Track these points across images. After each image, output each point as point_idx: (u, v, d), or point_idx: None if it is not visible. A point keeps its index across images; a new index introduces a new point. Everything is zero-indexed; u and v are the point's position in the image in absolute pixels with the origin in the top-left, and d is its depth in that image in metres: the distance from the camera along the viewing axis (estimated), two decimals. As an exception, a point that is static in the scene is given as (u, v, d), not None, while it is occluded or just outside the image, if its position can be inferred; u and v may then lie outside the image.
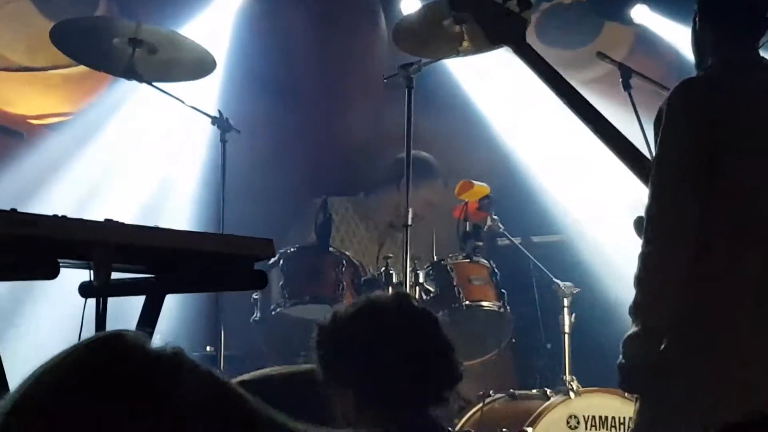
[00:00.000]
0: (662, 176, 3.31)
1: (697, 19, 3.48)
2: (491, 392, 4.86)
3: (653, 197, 3.29)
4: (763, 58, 3.47)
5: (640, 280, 3.26)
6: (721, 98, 3.36)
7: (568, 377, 4.81)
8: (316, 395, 2.42)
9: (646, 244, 3.26)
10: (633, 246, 3.51)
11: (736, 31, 3.43)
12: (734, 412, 2.32)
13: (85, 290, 2.35)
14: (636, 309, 3.26)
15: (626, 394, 4.11)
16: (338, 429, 2.39)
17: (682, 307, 3.26)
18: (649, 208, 3.30)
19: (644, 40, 6.21)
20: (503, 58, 5.16)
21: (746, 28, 3.44)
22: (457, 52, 4.58)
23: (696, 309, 3.28)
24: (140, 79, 4.58)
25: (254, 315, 5.01)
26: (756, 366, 3.20)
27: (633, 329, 3.24)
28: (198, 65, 4.79)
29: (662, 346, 3.28)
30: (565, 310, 4.98)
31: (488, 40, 3.95)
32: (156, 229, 2.69)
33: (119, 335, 1.03)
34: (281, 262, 4.89)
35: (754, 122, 3.37)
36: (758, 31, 3.43)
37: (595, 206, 5.97)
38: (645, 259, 3.26)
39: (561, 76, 3.79)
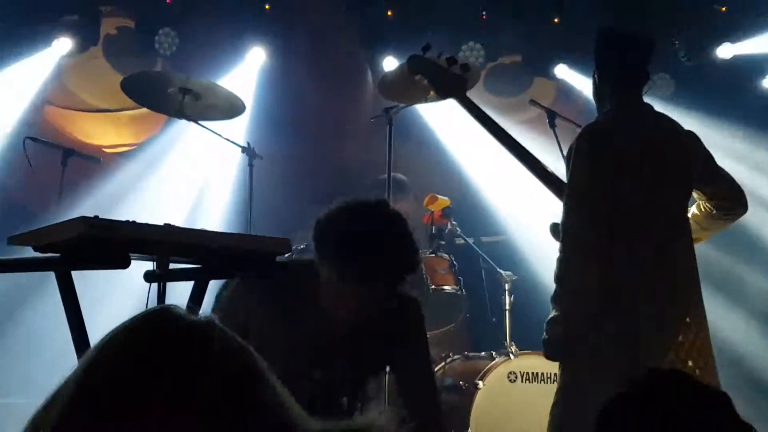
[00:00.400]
0: (572, 199, 3.40)
1: (595, 75, 3.59)
2: (450, 354, 5.03)
3: (566, 214, 3.41)
4: (646, 103, 3.57)
5: (558, 278, 3.39)
6: (617, 137, 3.44)
7: (508, 343, 4.95)
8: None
9: (562, 251, 3.39)
10: (555, 244, 3.62)
11: (626, 84, 3.50)
12: (626, 374, 2.38)
13: (149, 277, 2.38)
14: (555, 299, 3.40)
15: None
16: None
17: (591, 298, 3.36)
18: (564, 223, 3.42)
19: (564, 90, 6.27)
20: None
21: (634, 81, 3.51)
22: (425, 99, 4.61)
23: (602, 300, 3.37)
24: (188, 119, 4.73)
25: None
26: (644, 342, 3.36)
27: (553, 313, 3.39)
28: (231, 108, 4.90)
29: (574, 327, 3.41)
30: (506, 292, 5.13)
31: (437, 95, 4.12)
32: (202, 231, 2.88)
33: (168, 307, 1.08)
34: (293, 256, 5.24)
35: (644, 154, 3.45)
36: (643, 82, 3.54)
37: (528, 215, 5.91)
38: (561, 262, 3.38)
39: (493, 120, 3.92)
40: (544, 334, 3.42)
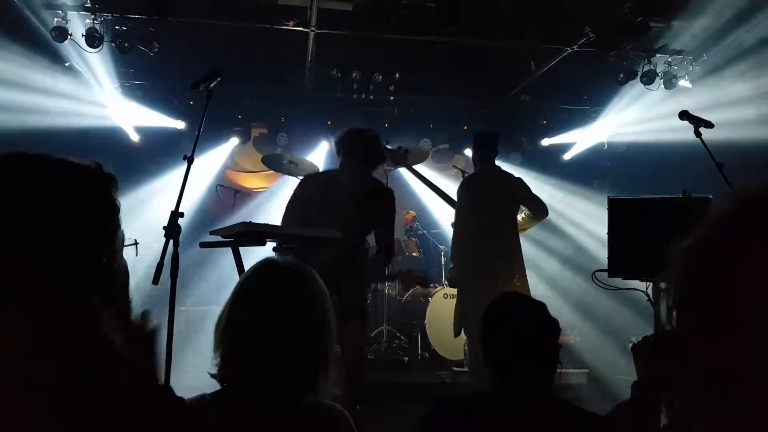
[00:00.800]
0: (457, 211, 4.15)
1: (473, 152, 4.30)
2: (415, 285, 5.73)
3: (455, 217, 4.17)
4: (497, 165, 4.21)
5: (452, 248, 4.25)
6: (480, 180, 4.18)
7: (443, 280, 5.88)
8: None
9: (453, 236, 4.21)
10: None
11: (486, 157, 4.19)
12: (480, 291, 3.70)
13: (275, 249, 2.75)
14: (451, 258, 4.26)
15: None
16: None
17: (464, 258, 4.09)
18: (454, 222, 4.20)
19: (467, 159, 6.41)
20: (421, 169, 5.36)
21: (490, 156, 4.19)
22: (404, 164, 5.05)
23: (468, 258, 4.06)
24: (292, 174, 5.38)
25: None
26: (489, 280, 3.91)
27: (451, 266, 4.26)
28: (313, 169, 5.37)
29: (458, 272, 4.14)
30: (441, 255, 6.10)
31: (395, 165, 4.82)
32: (298, 227, 3.17)
33: (274, 259, 1.32)
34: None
35: (492, 187, 4.14)
36: (494, 156, 4.20)
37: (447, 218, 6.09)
38: (452, 241, 4.20)
39: (427, 179, 4.59)
40: (448, 275, 4.54)
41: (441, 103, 6.81)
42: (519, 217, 4.18)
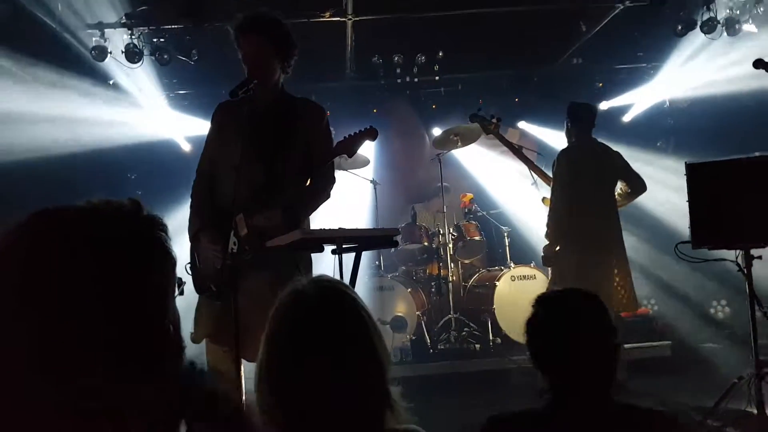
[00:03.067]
0: (555, 184, 4.11)
1: (567, 123, 4.23)
2: (479, 269, 5.98)
3: (551, 192, 4.13)
4: (593, 137, 4.22)
5: (547, 224, 4.15)
6: (576, 154, 4.13)
7: (508, 262, 5.74)
8: None
9: (549, 210, 4.13)
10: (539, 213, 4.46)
11: (583, 128, 4.18)
12: (574, 269, 3.85)
13: (334, 252, 2.52)
14: (546, 234, 4.17)
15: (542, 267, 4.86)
16: None
17: (560, 231, 4.06)
18: (551, 196, 4.12)
19: (523, 133, 6.95)
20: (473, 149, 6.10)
21: (588, 126, 4.19)
22: (455, 147, 5.57)
23: (565, 235, 4.02)
24: (342, 168, 5.38)
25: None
26: (587, 251, 3.94)
27: (545, 242, 4.18)
28: (364, 161, 5.73)
29: (552, 246, 4.12)
30: (505, 237, 5.96)
31: (486, 134, 4.88)
32: (354, 229, 3.02)
33: (322, 277, 1.21)
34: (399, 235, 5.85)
35: (589, 162, 4.10)
36: (593, 126, 4.20)
37: (510, 198, 6.56)
38: (548, 216, 4.13)
39: (513, 145, 4.72)
40: (542, 253, 4.17)
41: (488, 77, 6.66)
42: (618, 190, 4.12)
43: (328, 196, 2.71)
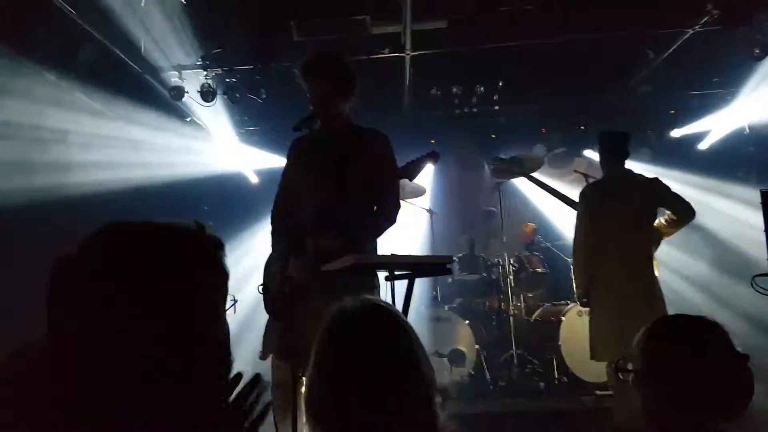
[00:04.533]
0: (578, 218, 3.99)
1: (600, 154, 4.10)
2: (543, 303, 5.83)
3: (575, 227, 3.99)
4: (627, 168, 3.96)
5: (573, 261, 4.10)
6: (606, 187, 3.98)
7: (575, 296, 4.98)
8: None
9: (573, 247, 4.01)
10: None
11: (613, 160, 4.00)
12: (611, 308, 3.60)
13: (387, 279, 2.52)
14: (573, 271, 4.13)
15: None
16: None
17: (587, 273, 3.89)
18: (575, 231, 3.99)
19: (590, 162, 6.64)
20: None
21: (618, 159, 3.98)
22: (515, 176, 5.28)
23: (594, 276, 3.85)
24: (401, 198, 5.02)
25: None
26: (619, 291, 3.71)
27: (574, 285, 4.08)
28: (420, 191, 5.57)
29: (584, 289, 3.91)
30: (570, 269, 5.04)
31: (514, 176, 4.97)
32: (408, 255, 2.84)
33: (380, 305, 1.22)
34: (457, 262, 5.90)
35: (616, 195, 3.89)
36: (625, 156, 3.96)
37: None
38: (573, 253, 4.04)
39: (548, 185, 4.66)
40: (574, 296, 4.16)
41: (552, 106, 6.56)
42: (661, 220, 3.89)
43: (393, 221, 2.77)
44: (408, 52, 5.21)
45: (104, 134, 5.25)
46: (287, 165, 2.94)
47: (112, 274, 0.79)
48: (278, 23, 4.90)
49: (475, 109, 6.38)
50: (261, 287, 2.67)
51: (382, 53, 5.25)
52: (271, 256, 2.76)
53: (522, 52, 5.40)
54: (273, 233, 2.84)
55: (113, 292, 0.78)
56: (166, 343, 0.79)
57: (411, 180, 2.76)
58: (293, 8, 4.73)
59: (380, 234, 2.79)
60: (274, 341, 2.66)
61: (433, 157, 2.77)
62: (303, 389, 1.20)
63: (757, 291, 3.19)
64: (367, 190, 2.62)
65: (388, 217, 2.74)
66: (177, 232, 0.87)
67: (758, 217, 3.18)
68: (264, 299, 2.67)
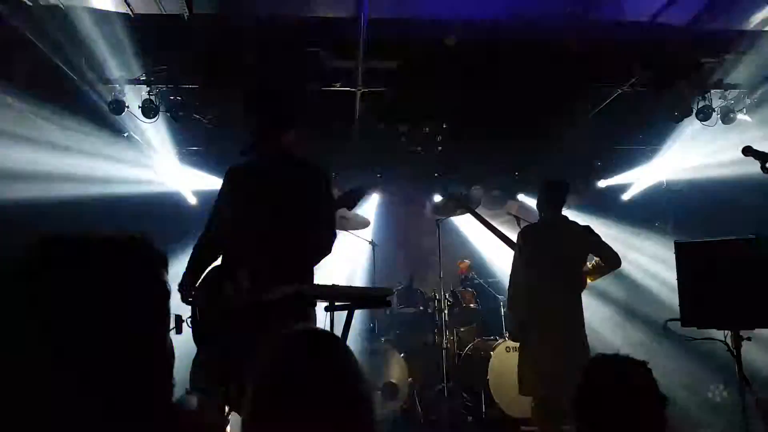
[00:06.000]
0: (516, 257, 4.12)
1: (539, 197, 4.18)
2: (475, 338, 6.00)
3: (512, 265, 4.13)
4: (563, 215, 4.11)
5: (508, 299, 4.24)
6: (539, 231, 4.14)
7: (505, 334, 5.65)
8: None
9: (509, 285, 4.18)
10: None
11: (551, 206, 4.11)
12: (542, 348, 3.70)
13: (327, 309, 2.61)
14: (508, 309, 4.37)
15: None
16: None
17: (521, 312, 4.05)
18: (511, 270, 4.14)
19: (521, 205, 7.06)
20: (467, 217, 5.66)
21: (559, 204, 4.13)
22: (454, 214, 5.72)
23: (527, 310, 3.98)
24: (343, 229, 5.48)
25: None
26: (549, 336, 3.82)
27: (509, 320, 4.38)
28: (365, 223, 5.84)
29: (516, 328, 4.12)
30: (501, 306, 5.96)
31: (461, 211, 5.21)
32: (351, 287, 3.21)
33: (317, 331, 1.25)
34: (394, 294, 5.79)
35: (552, 239, 4.03)
36: (563, 204, 4.13)
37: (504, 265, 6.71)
38: (509, 290, 4.17)
39: (487, 221, 4.93)
40: (508, 327, 4.40)
41: (491, 150, 6.82)
42: (589, 265, 4.07)
43: (329, 251, 2.79)
44: (359, 87, 5.36)
45: (32, 143, 5.05)
46: (221, 194, 2.95)
47: (56, 283, 0.82)
48: (231, 44, 4.91)
49: (419, 148, 6.62)
50: (188, 319, 2.66)
51: (334, 86, 5.38)
52: (197, 287, 2.76)
53: (465, 98, 5.67)
54: (194, 260, 2.83)
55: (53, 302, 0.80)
56: (109, 353, 0.81)
57: (350, 209, 2.85)
58: (249, 31, 4.76)
59: (316, 263, 2.82)
60: (203, 371, 2.67)
61: (371, 188, 2.82)
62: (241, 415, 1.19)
63: (668, 334, 3.49)
64: (303, 220, 2.64)
65: (323, 247, 2.76)
66: (120, 243, 0.89)
67: (672, 267, 3.41)
68: (193, 331, 2.66)
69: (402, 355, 5.51)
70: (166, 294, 0.92)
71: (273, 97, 2.83)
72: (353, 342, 5.01)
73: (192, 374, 2.65)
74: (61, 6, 4.29)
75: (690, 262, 3.40)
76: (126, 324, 0.84)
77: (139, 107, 5.55)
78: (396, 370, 5.40)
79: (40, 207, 4.76)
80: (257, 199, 2.74)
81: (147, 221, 6.29)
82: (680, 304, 3.37)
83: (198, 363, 2.68)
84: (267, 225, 2.64)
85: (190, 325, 2.68)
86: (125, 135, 6.13)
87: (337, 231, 4.40)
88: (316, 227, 2.72)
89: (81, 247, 0.86)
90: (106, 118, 5.67)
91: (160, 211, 6.42)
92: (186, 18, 4.47)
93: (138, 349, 0.84)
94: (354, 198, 2.82)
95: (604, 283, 5.73)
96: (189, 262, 2.85)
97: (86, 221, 5.15)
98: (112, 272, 0.84)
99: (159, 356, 0.88)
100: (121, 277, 0.85)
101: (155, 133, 6.08)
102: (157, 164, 6.46)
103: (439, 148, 6.59)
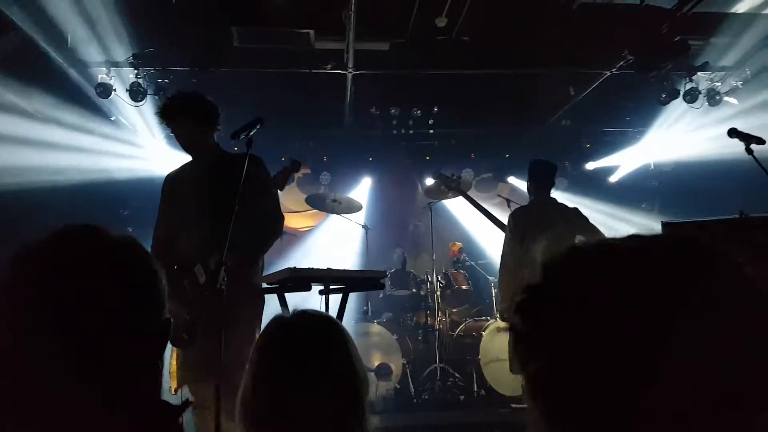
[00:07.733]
0: (507, 238, 4.15)
1: (528, 182, 4.27)
2: (467, 318, 6.01)
3: (503, 246, 4.14)
4: (552, 197, 4.23)
5: (499, 280, 4.26)
6: (532, 212, 4.17)
7: (495, 312, 5.80)
8: None
9: (500, 266, 4.17)
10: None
11: (541, 187, 4.20)
12: None
13: (321, 293, 2.78)
14: (500, 290, 4.40)
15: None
16: None
17: (511, 290, 4.08)
18: (502, 252, 4.15)
19: (512, 187, 7.11)
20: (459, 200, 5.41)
21: (545, 186, 4.20)
22: (446, 197, 5.62)
23: (517, 293, 4.44)
24: (336, 213, 5.77)
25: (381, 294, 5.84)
26: None
27: (501, 297, 4.36)
28: (356, 206, 5.90)
29: (507, 305, 4.17)
30: (492, 287, 6.02)
31: (454, 194, 5.14)
32: (343, 270, 3.19)
33: (314, 312, 1.27)
34: (389, 278, 5.80)
35: (542, 220, 3.99)
36: (552, 186, 4.21)
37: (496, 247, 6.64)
38: (500, 271, 4.17)
39: (479, 204, 4.86)
40: (499, 307, 4.49)
41: (481, 133, 6.91)
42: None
43: (278, 234, 2.90)
44: (350, 70, 5.35)
45: (16, 130, 4.95)
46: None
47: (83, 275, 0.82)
48: (220, 27, 4.89)
49: (411, 131, 6.65)
50: None
51: (325, 68, 5.36)
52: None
53: (457, 80, 5.71)
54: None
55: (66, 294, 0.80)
56: (107, 343, 0.81)
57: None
58: (237, 13, 4.73)
59: (267, 248, 2.90)
60: (187, 367, 2.70)
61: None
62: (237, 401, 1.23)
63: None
64: (247, 209, 2.65)
65: (271, 231, 2.86)
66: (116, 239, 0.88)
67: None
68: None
69: (395, 336, 5.58)
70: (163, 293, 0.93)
71: (192, 100, 2.95)
72: (347, 324, 5.11)
73: (178, 376, 2.70)
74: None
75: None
76: (126, 327, 0.84)
77: (127, 90, 5.48)
78: (389, 351, 5.48)
79: (23, 193, 4.74)
80: (199, 198, 2.86)
81: (134, 206, 6.34)
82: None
83: (180, 364, 2.72)
84: (214, 221, 2.68)
85: None
86: (112, 119, 6.05)
87: (331, 215, 4.23)
88: (262, 214, 2.81)
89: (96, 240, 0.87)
90: (91, 102, 5.60)
91: (148, 195, 6.28)
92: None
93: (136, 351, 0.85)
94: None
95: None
96: None
97: (68, 209, 5.12)
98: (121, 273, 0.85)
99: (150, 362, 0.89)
100: (128, 279, 0.86)
101: (142, 117, 6.01)
102: (145, 148, 6.41)
103: (431, 131, 6.64)
